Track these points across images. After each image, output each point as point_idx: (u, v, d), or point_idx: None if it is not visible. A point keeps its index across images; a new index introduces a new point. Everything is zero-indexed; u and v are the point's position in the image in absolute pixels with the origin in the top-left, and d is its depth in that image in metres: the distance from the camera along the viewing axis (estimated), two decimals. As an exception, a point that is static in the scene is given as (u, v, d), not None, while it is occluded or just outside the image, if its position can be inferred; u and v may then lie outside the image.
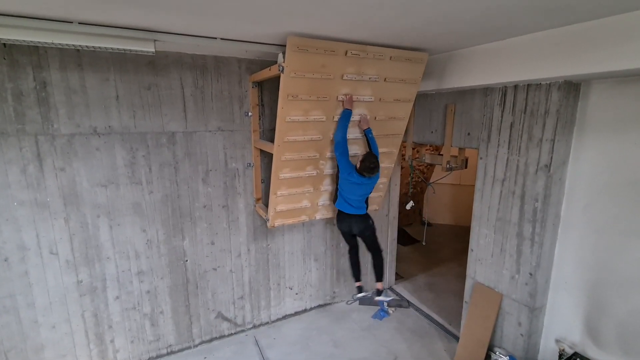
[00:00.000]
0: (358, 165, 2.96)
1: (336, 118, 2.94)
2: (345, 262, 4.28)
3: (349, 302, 4.36)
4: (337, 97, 2.83)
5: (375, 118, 3.16)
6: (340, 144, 2.92)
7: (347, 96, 2.84)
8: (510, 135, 2.85)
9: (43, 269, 2.77)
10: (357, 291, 3.58)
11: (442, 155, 3.65)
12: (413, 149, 4.18)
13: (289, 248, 3.89)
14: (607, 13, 1.96)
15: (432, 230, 6.92)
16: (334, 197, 3.29)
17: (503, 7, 1.89)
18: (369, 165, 2.91)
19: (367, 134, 3.08)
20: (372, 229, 3.31)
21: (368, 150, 3.13)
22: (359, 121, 3.06)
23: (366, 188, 3.09)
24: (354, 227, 3.27)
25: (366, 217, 3.26)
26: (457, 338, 3.56)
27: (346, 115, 2.88)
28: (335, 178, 3.23)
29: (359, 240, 3.47)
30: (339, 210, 3.26)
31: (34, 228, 2.69)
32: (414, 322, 3.97)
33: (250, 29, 2.34)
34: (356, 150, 3.23)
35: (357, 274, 3.56)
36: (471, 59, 2.87)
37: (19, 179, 2.58)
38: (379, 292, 3.50)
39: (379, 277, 3.45)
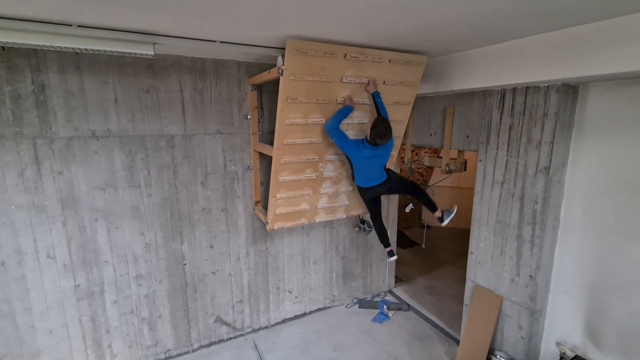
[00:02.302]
0: (368, 134, 2.74)
1: (335, 121, 2.94)
2: (346, 265, 4.28)
3: (349, 306, 4.34)
4: (337, 100, 2.83)
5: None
6: (333, 130, 2.79)
7: (348, 99, 2.86)
8: (509, 138, 2.86)
9: (40, 273, 2.75)
10: (389, 255, 3.49)
11: (441, 157, 3.65)
12: (412, 151, 4.18)
13: (288, 251, 3.87)
14: (605, 16, 1.97)
15: (431, 232, 6.91)
16: (353, 177, 3.14)
17: (501, 11, 1.89)
18: (382, 130, 2.67)
19: (375, 98, 2.88)
20: (398, 179, 3.22)
21: (377, 116, 2.94)
22: (367, 84, 2.85)
23: (381, 159, 2.93)
24: (372, 193, 3.16)
25: (388, 178, 3.08)
26: (457, 341, 3.55)
27: (346, 110, 2.82)
28: (349, 163, 3.07)
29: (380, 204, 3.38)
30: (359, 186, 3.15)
31: (31, 232, 2.67)
32: (414, 326, 3.95)
33: (250, 32, 2.34)
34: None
35: (386, 239, 3.47)
36: (470, 61, 2.88)
37: (16, 183, 2.56)
38: (441, 219, 3.24)
39: (434, 207, 3.23)
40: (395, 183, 3.18)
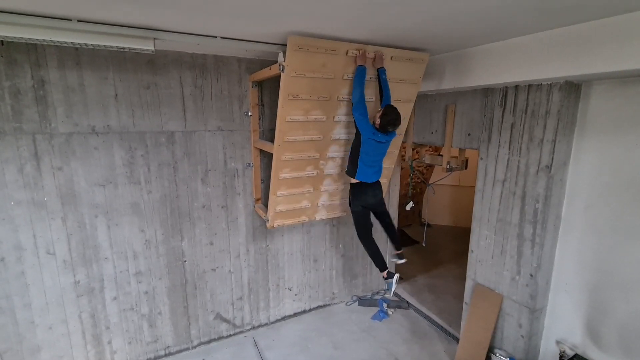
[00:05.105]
0: (378, 122, 2.70)
1: (337, 118, 2.92)
2: (346, 263, 4.27)
3: (349, 303, 4.34)
4: (337, 97, 2.81)
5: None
6: (359, 104, 2.67)
7: (361, 51, 2.62)
8: (510, 136, 2.85)
9: (40, 270, 2.74)
10: (388, 277, 3.15)
11: (442, 155, 3.64)
12: (413, 149, 4.17)
13: (289, 249, 3.87)
14: (609, 13, 1.96)
15: (432, 231, 6.91)
16: (353, 169, 2.90)
17: (505, 7, 1.88)
18: (393, 117, 2.65)
19: (380, 75, 2.80)
20: (383, 199, 3.20)
21: (380, 95, 2.92)
22: (373, 58, 2.74)
23: (385, 147, 2.89)
24: (373, 197, 3.00)
25: (379, 183, 3.04)
26: (457, 339, 3.55)
27: (360, 72, 2.66)
28: (354, 147, 2.88)
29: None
30: (358, 184, 2.94)
31: (31, 228, 2.66)
32: (414, 324, 3.95)
33: (251, 28, 2.32)
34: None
35: (382, 262, 3.17)
36: (472, 59, 2.86)
37: (16, 178, 2.55)
38: (401, 257, 3.38)
39: (399, 244, 3.38)
40: (383, 202, 3.17)
